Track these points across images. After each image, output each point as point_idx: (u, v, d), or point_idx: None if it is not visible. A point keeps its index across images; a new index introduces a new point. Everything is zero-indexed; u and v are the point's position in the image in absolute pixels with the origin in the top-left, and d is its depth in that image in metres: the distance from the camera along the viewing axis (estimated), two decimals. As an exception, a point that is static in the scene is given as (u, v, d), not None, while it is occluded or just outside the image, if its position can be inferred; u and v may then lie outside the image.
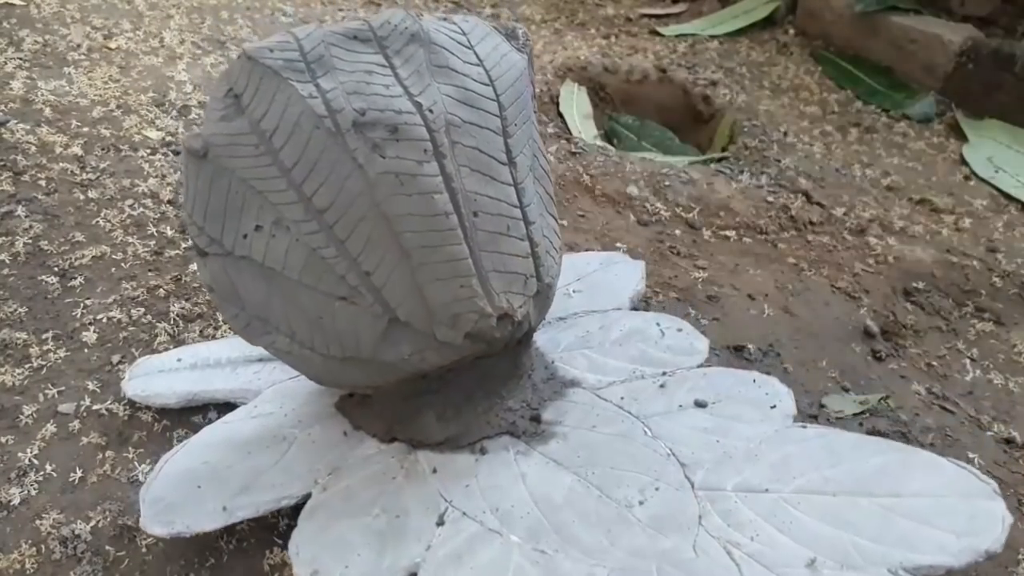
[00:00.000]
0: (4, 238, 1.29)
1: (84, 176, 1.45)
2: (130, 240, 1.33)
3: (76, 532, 0.88)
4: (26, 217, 1.33)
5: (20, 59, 1.77)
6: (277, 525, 0.90)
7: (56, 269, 1.25)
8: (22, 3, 2.01)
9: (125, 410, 1.04)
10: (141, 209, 1.40)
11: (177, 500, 0.86)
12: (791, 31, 2.57)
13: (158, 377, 1.06)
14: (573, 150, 1.77)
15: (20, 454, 0.97)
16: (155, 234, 1.35)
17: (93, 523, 0.89)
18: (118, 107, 1.67)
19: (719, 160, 1.90)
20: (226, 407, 1.03)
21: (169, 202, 1.43)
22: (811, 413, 1.14)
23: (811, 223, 1.62)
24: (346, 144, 0.78)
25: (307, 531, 0.82)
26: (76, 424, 1.01)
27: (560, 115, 2.00)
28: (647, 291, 1.33)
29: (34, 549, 0.87)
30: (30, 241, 1.29)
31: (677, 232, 1.54)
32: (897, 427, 1.13)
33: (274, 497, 0.87)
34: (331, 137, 0.79)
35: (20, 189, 1.40)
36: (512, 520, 0.81)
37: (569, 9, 2.75)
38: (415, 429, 0.92)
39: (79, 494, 0.93)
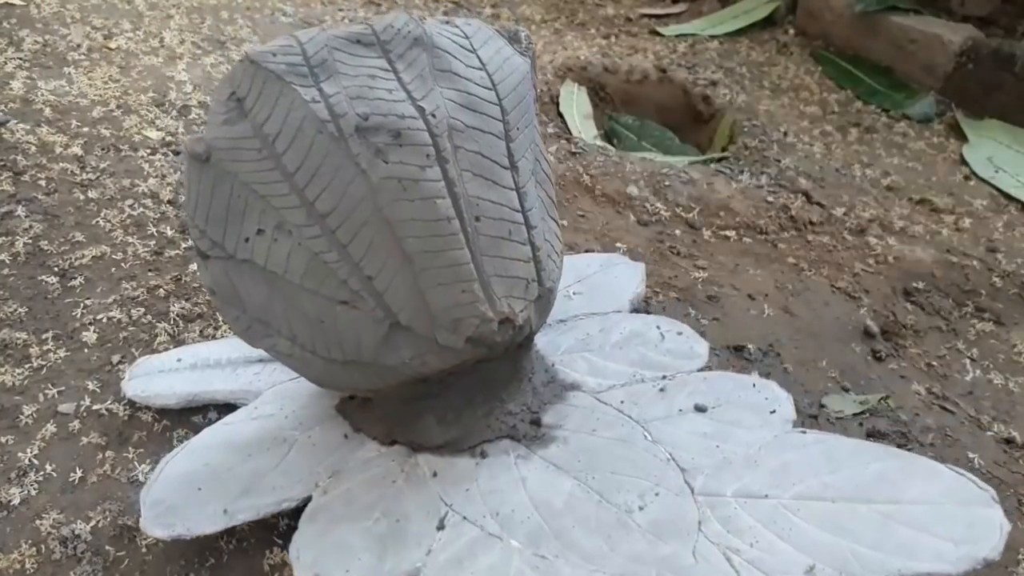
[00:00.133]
0: (4, 238, 1.29)
1: (84, 176, 1.45)
2: (130, 240, 1.33)
3: (76, 532, 0.88)
4: (26, 217, 1.33)
5: (20, 59, 1.77)
6: (277, 525, 0.90)
7: (56, 269, 1.25)
8: (22, 3, 2.01)
9: (125, 410, 1.04)
10: (141, 209, 1.40)
11: (178, 502, 0.86)
12: (791, 31, 2.57)
13: (158, 377, 1.06)
14: (573, 150, 1.77)
15: (20, 454, 0.97)
16: (155, 234, 1.35)
17: (93, 523, 0.89)
18: (118, 107, 1.67)
19: (719, 160, 1.90)
20: (226, 407, 1.03)
21: (169, 202, 1.43)
22: (811, 413, 1.14)
23: (811, 223, 1.62)
24: (349, 149, 0.78)
25: (308, 535, 0.82)
26: (76, 424, 1.01)
27: (560, 115, 2.01)
28: (647, 291, 1.33)
29: (34, 549, 0.87)
30: (30, 241, 1.29)
31: (677, 232, 1.54)
32: (897, 427, 1.13)
33: (275, 500, 0.87)
34: (334, 142, 0.79)
35: (20, 189, 1.40)
36: (512, 525, 0.81)
37: (569, 9, 2.75)
38: (415, 432, 0.92)
39: (79, 494, 0.93)
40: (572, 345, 1.08)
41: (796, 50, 2.49)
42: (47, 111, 1.60)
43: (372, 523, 0.83)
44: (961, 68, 2.15)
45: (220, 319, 1.20)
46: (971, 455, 1.10)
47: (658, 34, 2.56)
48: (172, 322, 1.18)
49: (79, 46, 1.88)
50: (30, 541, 0.87)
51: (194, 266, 1.29)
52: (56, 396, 1.05)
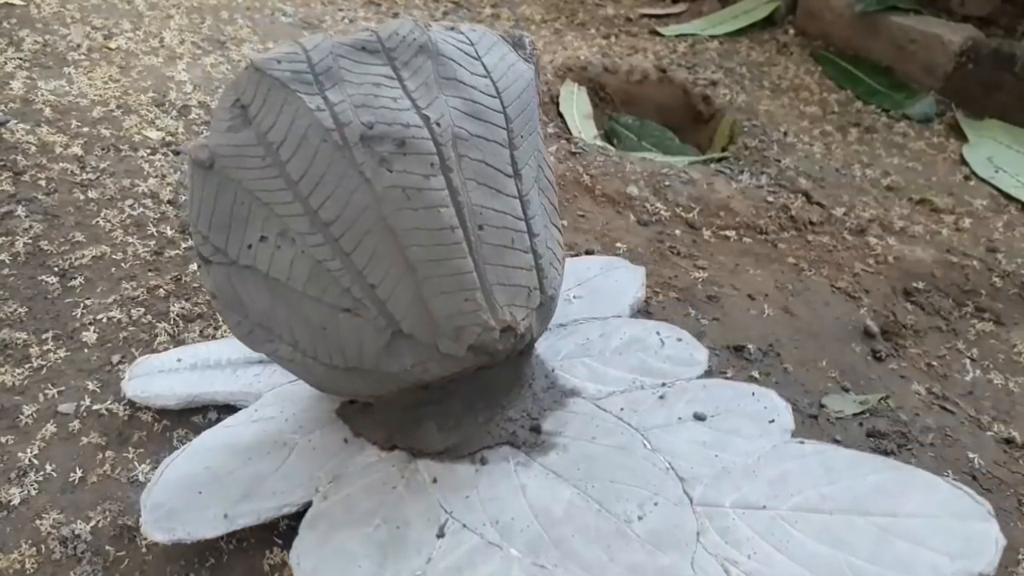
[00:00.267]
0: (4, 238, 1.29)
1: (84, 176, 1.45)
2: (130, 240, 1.33)
3: (76, 532, 0.88)
4: (26, 217, 1.33)
5: (20, 59, 1.77)
6: (277, 525, 0.90)
7: (56, 269, 1.25)
8: (22, 3, 2.01)
9: (125, 410, 1.04)
10: (141, 209, 1.40)
11: (178, 506, 0.86)
12: (791, 31, 2.57)
13: (158, 377, 1.06)
14: (573, 150, 1.77)
15: (20, 454, 0.97)
16: (155, 234, 1.35)
17: (93, 523, 0.89)
18: (118, 107, 1.67)
19: (719, 160, 1.90)
20: (227, 407, 1.03)
21: (169, 202, 1.43)
22: (811, 413, 1.14)
23: (811, 223, 1.62)
24: (353, 158, 0.78)
25: (309, 541, 0.82)
26: (76, 424, 1.01)
27: (560, 115, 2.01)
28: (648, 291, 1.33)
29: (34, 549, 0.87)
30: (30, 241, 1.29)
31: (677, 232, 1.54)
32: (897, 427, 1.13)
33: (275, 505, 0.87)
34: (338, 151, 0.78)
35: (20, 189, 1.40)
36: (512, 533, 0.81)
37: (569, 9, 2.75)
38: (416, 438, 0.92)
39: (79, 494, 0.93)
40: (572, 350, 1.07)
41: (796, 50, 2.49)
42: (47, 111, 1.60)
43: (372, 530, 0.83)
44: (961, 68, 2.15)
45: (220, 319, 1.20)
46: (971, 455, 1.10)
47: (658, 34, 2.56)
48: (172, 322, 1.18)
49: (79, 46, 1.88)
50: (30, 541, 0.87)
51: (194, 266, 1.29)
52: (56, 396, 1.05)
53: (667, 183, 1.66)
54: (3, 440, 0.99)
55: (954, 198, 1.80)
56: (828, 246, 1.56)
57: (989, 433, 1.16)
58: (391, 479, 0.89)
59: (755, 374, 1.19)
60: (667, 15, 2.74)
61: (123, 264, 1.28)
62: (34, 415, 1.02)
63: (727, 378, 1.17)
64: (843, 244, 1.57)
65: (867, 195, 1.76)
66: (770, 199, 1.67)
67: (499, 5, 2.70)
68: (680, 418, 0.94)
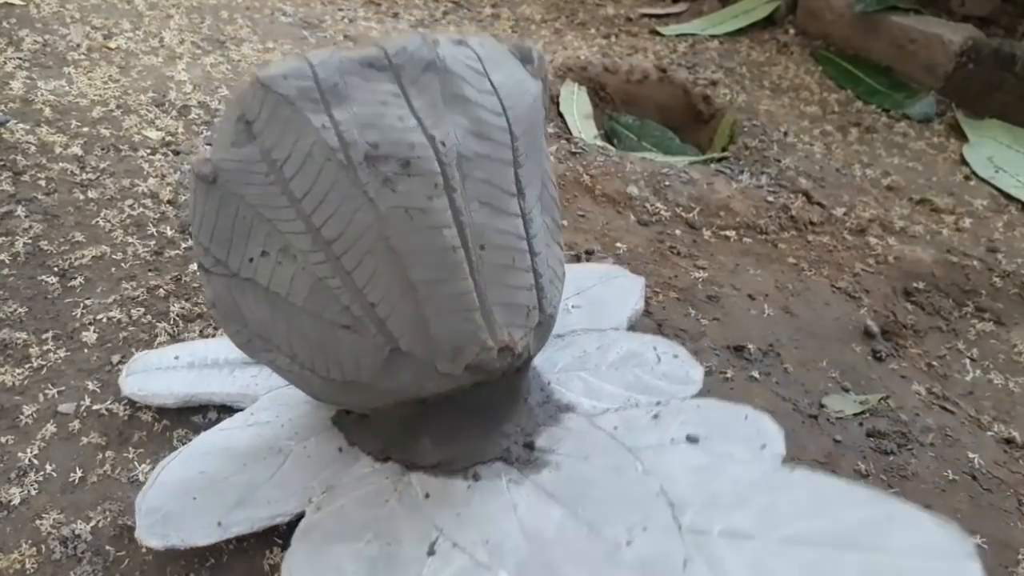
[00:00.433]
0: (4, 238, 1.29)
1: (84, 176, 1.45)
2: (130, 240, 1.33)
3: (76, 532, 0.88)
4: (26, 217, 1.33)
5: (20, 59, 1.77)
6: (278, 526, 0.90)
7: (56, 269, 1.25)
8: (22, 3, 2.01)
9: (125, 410, 1.04)
10: (141, 209, 1.40)
11: (173, 512, 0.86)
12: (791, 31, 2.57)
13: (155, 375, 1.06)
14: (573, 150, 1.77)
15: (20, 454, 0.97)
16: (155, 234, 1.35)
17: (93, 523, 0.89)
18: (118, 107, 1.67)
19: (719, 160, 1.90)
20: (226, 406, 1.04)
21: (169, 202, 1.43)
22: (811, 413, 1.14)
23: (811, 223, 1.62)
24: (357, 178, 0.78)
25: (301, 554, 0.82)
26: (76, 424, 1.01)
27: (560, 115, 2.01)
28: (648, 291, 1.33)
29: (34, 549, 0.87)
30: (30, 241, 1.29)
31: (677, 232, 1.54)
32: (897, 427, 1.13)
33: (268, 514, 0.87)
34: (343, 170, 0.78)
35: (20, 189, 1.40)
36: (502, 554, 0.81)
37: (569, 9, 2.75)
38: (410, 451, 0.92)
39: (79, 494, 0.93)
40: (569, 363, 1.07)
41: (796, 50, 2.49)
42: (47, 111, 1.60)
43: (364, 544, 0.82)
44: (961, 68, 2.15)
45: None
46: (971, 455, 1.10)
47: (658, 34, 2.57)
48: (172, 322, 1.18)
49: (79, 46, 1.88)
50: (30, 541, 0.87)
51: (194, 266, 1.29)
52: (56, 396, 1.05)
53: (667, 183, 1.66)
54: (3, 440, 0.99)
55: (954, 198, 1.80)
56: (828, 246, 1.56)
57: (989, 433, 1.16)
58: (384, 492, 0.88)
59: (755, 374, 1.19)
60: (667, 15, 2.74)
61: (123, 264, 1.28)
62: (34, 415, 1.02)
63: (727, 378, 1.18)
64: (843, 244, 1.57)
65: (867, 195, 1.76)
66: (770, 199, 1.67)
67: (499, 5, 2.70)
68: (673, 439, 0.93)
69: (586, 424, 0.97)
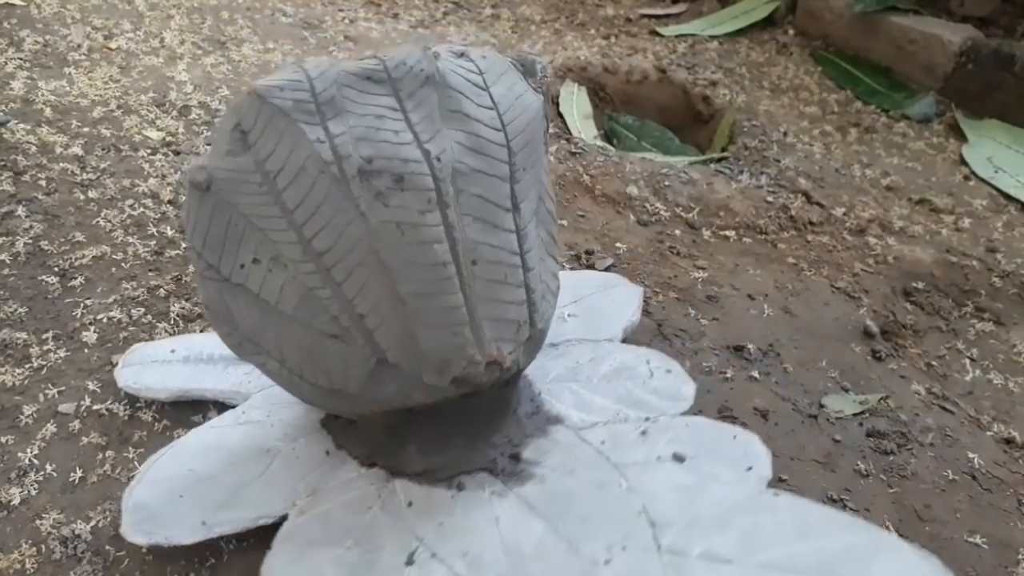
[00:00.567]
0: (4, 238, 1.29)
1: (84, 176, 1.46)
2: (130, 240, 1.33)
3: (76, 532, 0.88)
4: (26, 217, 1.34)
5: (20, 59, 1.78)
6: (278, 525, 0.90)
7: (56, 269, 1.25)
8: (22, 3, 2.01)
9: (125, 410, 1.04)
10: (141, 209, 1.40)
11: (159, 509, 0.86)
12: (791, 31, 2.57)
13: (151, 367, 1.06)
14: (573, 150, 1.77)
15: (20, 454, 0.97)
16: (155, 234, 1.35)
17: (93, 523, 0.89)
18: (118, 107, 1.67)
19: (719, 160, 1.90)
20: (223, 404, 1.04)
21: (169, 202, 1.44)
22: (811, 413, 1.14)
23: (811, 223, 1.62)
24: (350, 191, 0.78)
25: (281, 557, 0.82)
26: (76, 424, 1.01)
27: (560, 115, 2.01)
28: (647, 291, 1.34)
29: (34, 549, 0.87)
30: (30, 241, 1.29)
31: (677, 232, 1.54)
32: (897, 427, 1.13)
33: (253, 516, 0.87)
34: (335, 183, 0.78)
35: (20, 189, 1.40)
36: (480, 567, 0.80)
37: (569, 9, 2.75)
38: (396, 458, 0.92)
39: (79, 494, 0.93)
40: (561, 373, 1.07)
41: (796, 50, 2.49)
42: (47, 111, 1.60)
43: (344, 551, 0.82)
44: (961, 68, 2.15)
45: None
46: (971, 455, 1.10)
47: (658, 34, 2.57)
48: (172, 322, 1.19)
49: (79, 46, 1.88)
50: (30, 541, 0.87)
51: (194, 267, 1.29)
52: (56, 396, 1.05)
53: (667, 183, 1.66)
54: (3, 440, 0.99)
55: (954, 198, 1.81)
56: (828, 246, 1.56)
57: (989, 433, 1.16)
58: (368, 499, 0.88)
59: (755, 374, 1.19)
60: (667, 15, 2.74)
61: (123, 264, 1.28)
62: (34, 415, 1.02)
63: (727, 378, 1.18)
64: (843, 244, 1.57)
65: (867, 195, 1.76)
66: (770, 199, 1.67)
67: (499, 5, 2.70)
68: (659, 457, 0.93)
69: (573, 437, 0.96)
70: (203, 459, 0.93)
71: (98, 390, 1.06)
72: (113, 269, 1.27)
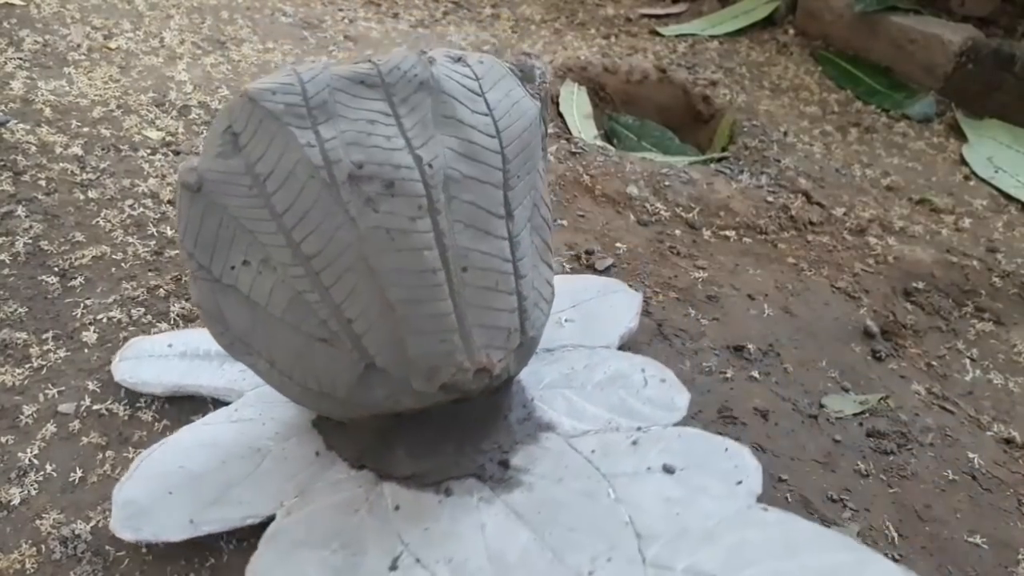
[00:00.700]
0: (4, 238, 1.29)
1: (84, 176, 1.46)
2: (130, 240, 1.33)
3: (76, 532, 0.88)
4: (26, 217, 1.33)
5: (20, 59, 1.78)
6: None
7: (56, 269, 1.25)
8: (22, 3, 2.01)
9: (125, 410, 1.04)
10: (141, 209, 1.40)
11: (148, 505, 0.87)
12: (791, 31, 2.57)
13: (147, 362, 1.07)
14: (573, 150, 1.77)
15: (20, 454, 0.97)
16: (155, 234, 1.35)
17: (93, 523, 0.89)
18: (118, 107, 1.67)
19: (719, 160, 1.90)
20: (221, 401, 1.04)
21: (169, 202, 1.43)
22: (811, 413, 1.14)
23: (811, 223, 1.62)
24: (340, 196, 0.78)
25: (267, 558, 0.82)
26: (76, 424, 1.01)
27: (560, 115, 2.01)
28: (647, 292, 1.34)
29: (34, 549, 0.87)
30: (30, 241, 1.29)
31: (677, 232, 1.54)
32: (897, 427, 1.13)
33: (240, 515, 0.87)
34: (325, 188, 0.78)
35: (20, 189, 1.40)
36: (464, 574, 0.80)
37: (569, 9, 2.75)
38: (384, 461, 0.92)
39: (79, 494, 0.93)
40: (555, 379, 1.07)
41: (796, 50, 2.49)
42: (47, 111, 1.60)
43: (330, 553, 0.82)
44: (961, 68, 2.15)
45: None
46: (971, 455, 1.10)
47: (658, 34, 2.57)
48: (172, 322, 1.19)
49: (79, 46, 1.88)
50: (30, 541, 0.87)
51: (194, 266, 1.29)
52: (56, 396, 1.05)
53: (667, 183, 1.66)
54: (3, 440, 0.99)
55: (954, 198, 1.81)
56: (828, 246, 1.56)
57: (989, 433, 1.16)
58: (355, 501, 0.88)
59: (755, 374, 1.19)
60: (667, 15, 2.74)
61: (123, 264, 1.28)
62: (34, 415, 1.02)
63: (727, 378, 1.18)
64: (843, 244, 1.57)
65: (867, 195, 1.76)
66: (770, 199, 1.67)
67: (499, 5, 2.70)
68: (649, 468, 0.92)
69: (564, 445, 0.96)
70: (194, 456, 0.93)
71: (98, 390, 1.06)
72: (113, 269, 1.27)
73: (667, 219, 1.57)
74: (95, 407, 1.04)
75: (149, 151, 1.56)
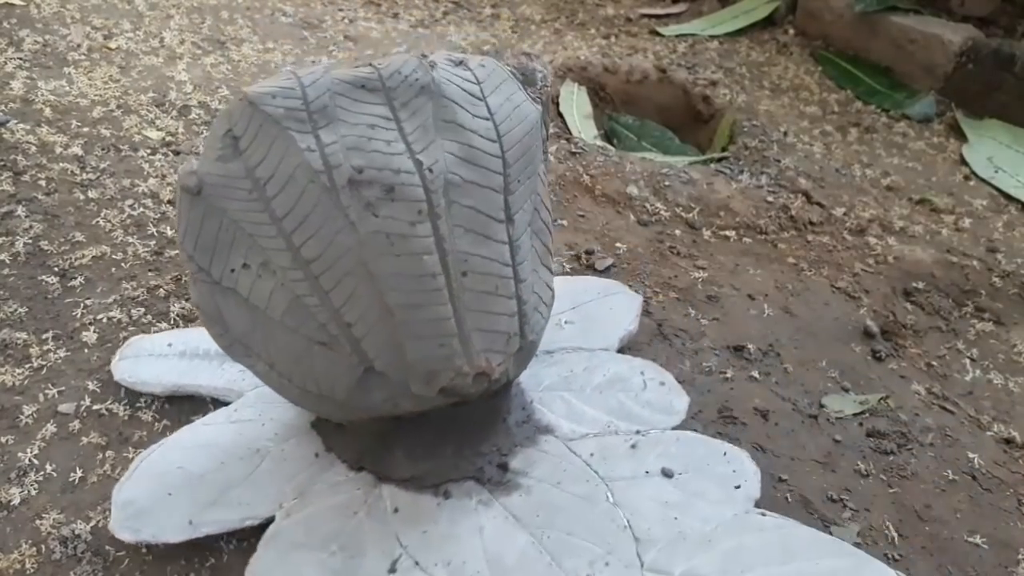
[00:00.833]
0: (4, 238, 1.29)
1: (84, 176, 1.46)
2: (130, 240, 1.33)
3: (76, 532, 0.88)
4: (26, 217, 1.33)
5: (20, 59, 1.77)
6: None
7: (56, 269, 1.25)
8: (22, 3, 2.01)
9: (125, 410, 1.04)
10: (141, 209, 1.40)
11: (147, 506, 0.87)
12: (791, 31, 2.57)
13: (147, 361, 1.07)
14: (573, 150, 1.77)
15: (20, 454, 0.97)
16: (155, 234, 1.35)
17: (93, 523, 0.89)
18: (118, 107, 1.67)
19: (719, 160, 1.90)
20: (221, 401, 1.04)
21: (169, 202, 1.43)
22: (811, 413, 1.14)
23: (811, 223, 1.62)
24: (339, 201, 0.78)
25: (266, 560, 0.83)
26: (76, 424, 1.01)
27: (560, 115, 2.01)
28: (647, 292, 1.34)
29: (34, 549, 0.87)
30: (30, 241, 1.29)
31: (677, 232, 1.54)
32: (897, 427, 1.13)
33: (239, 517, 0.87)
34: (325, 192, 0.78)
35: (20, 189, 1.40)
36: None
37: (569, 9, 2.75)
38: (384, 463, 0.92)
39: (79, 494, 0.93)
40: (554, 382, 1.07)
41: (796, 50, 2.49)
42: (47, 111, 1.60)
43: (328, 556, 0.83)
44: (961, 68, 2.15)
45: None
46: (971, 455, 1.10)
47: (658, 34, 2.56)
48: (172, 322, 1.18)
49: (79, 46, 1.88)
50: (30, 541, 0.87)
51: (194, 266, 1.29)
52: (56, 396, 1.05)
53: (667, 183, 1.66)
54: (3, 440, 0.99)
55: (954, 198, 1.80)
56: (828, 246, 1.56)
57: (989, 433, 1.16)
58: (354, 503, 0.89)
59: (755, 374, 1.19)
60: (667, 15, 2.74)
61: (123, 264, 1.28)
62: (34, 415, 1.02)
63: (727, 378, 1.18)
64: (843, 244, 1.57)
65: (867, 195, 1.76)
66: (770, 199, 1.67)
67: (499, 5, 2.70)
68: (647, 472, 0.93)
69: (563, 448, 0.96)
70: (193, 457, 0.93)
71: (98, 390, 1.06)
72: (113, 269, 1.27)
73: (667, 219, 1.57)
74: (95, 407, 1.04)
75: (149, 151, 1.56)
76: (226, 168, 0.81)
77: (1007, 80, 2.09)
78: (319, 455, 0.95)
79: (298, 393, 0.86)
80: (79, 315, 1.18)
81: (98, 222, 1.35)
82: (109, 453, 0.98)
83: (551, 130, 1.87)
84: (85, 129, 1.58)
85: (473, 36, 2.40)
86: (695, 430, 1.03)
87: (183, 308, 1.21)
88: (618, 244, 1.46)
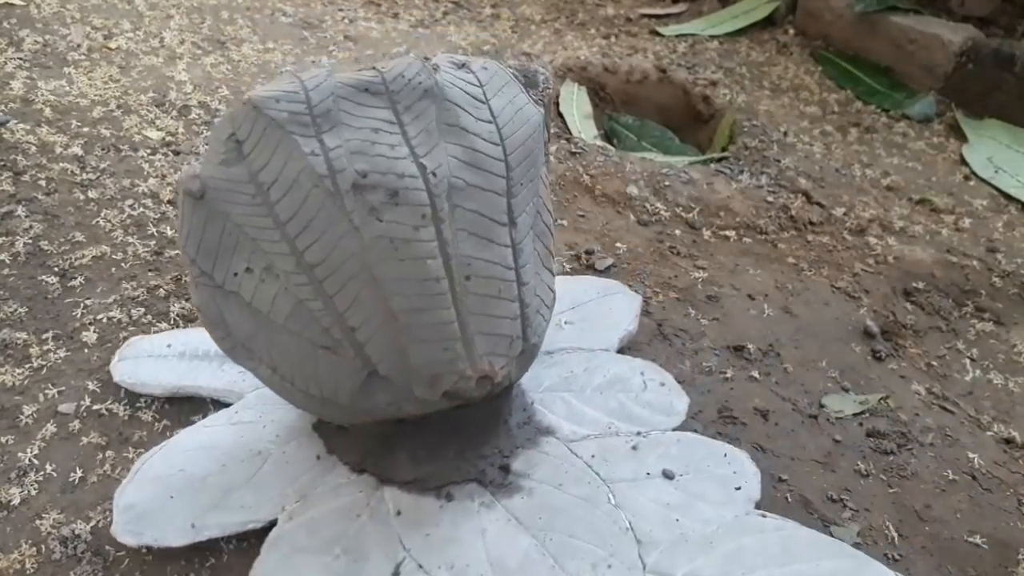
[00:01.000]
0: (4, 238, 1.29)
1: (84, 176, 1.46)
2: (130, 240, 1.33)
3: (76, 532, 0.88)
4: (26, 217, 1.33)
5: (20, 59, 1.77)
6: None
7: (56, 269, 1.25)
8: (22, 3, 2.01)
9: (125, 410, 1.04)
10: (141, 209, 1.40)
11: (149, 510, 0.87)
12: (791, 31, 2.57)
13: (146, 362, 1.07)
14: (573, 150, 1.77)
15: (20, 454, 0.97)
16: (155, 234, 1.35)
17: (93, 523, 0.89)
18: (118, 107, 1.67)
19: (719, 160, 1.90)
20: (221, 402, 1.04)
21: (169, 202, 1.43)
22: (811, 413, 1.14)
23: (811, 223, 1.62)
24: (344, 205, 0.78)
25: (269, 563, 0.82)
26: (76, 424, 1.01)
27: (560, 115, 2.01)
28: (647, 292, 1.34)
29: (34, 549, 0.87)
30: (30, 241, 1.29)
31: (677, 232, 1.54)
32: (897, 427, 1.13)
33: (241, 520, 0.87)
34: (329, 197, 0.78)
35: (20, 189, 1.40)
36: None
37: (569, 9, 2.75)
38: (386, 465, 0.92)
39: (79, 494, 0.93)
40: (554, 383, 1.07)
41: (796, 50, 2.49)
42: (47, 111, 1.60)
43: (332, 559, 0.83)
44: (961, 68, 2.15)
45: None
46: (971, 455, 1.10)
47: (658, 34, 2.57)
48: (172, 322, 1.18)
49: (79, 46, 1.88)
50: (30, 541, 0.87)
51: (194, 266, 1.29)
52: (56, 396, 1.05)
53: (667, 183, 1.66)
54: (3, 440, 0.99)
55: (954, 198, 1.80)
56: (828, 246, 1.56)
57: (989, 433, 1.16)
58: (357, 506, 0.89)
59: (755, 374, 1.19)
60: (667, 15, 2.74)
61: (123, 264, 1.28)
62: (34, 415, 1.02)
63: (727, 378, 1.18)
64: (843, 244, 1.57)
65: (867, 195, 1.76)
66: (770, 199, 1.67)
67: (499, 5, 2.70)
68: (648, 473, 0.93)
69: (564, 450, 0.96)
70: (194, 459, 0.93)
71: (98, 390, 1.06)
72: (113, 269, 1.27)
73: (667, 219, 1.57)
74: (95, 407, 1.04)
75: (149, 151, 1.56)
76: (229, 172, 0.81)
77: (1007, 80, 2.09)
78: (321, 457, 0.95)
79: (301, 397, 0.86)
80: (79, 315, 1.18)
81: (98, 222, 1.35)
82: (109, 453, 0.98)
83: (551, 130, 1.87)
84: (85, 129, 1.58)
85: (473, 36, 2.40)
86: (695, 430, 1.03)
87: (183, 308, 1.21)
88: (618, 244, 1.46)
